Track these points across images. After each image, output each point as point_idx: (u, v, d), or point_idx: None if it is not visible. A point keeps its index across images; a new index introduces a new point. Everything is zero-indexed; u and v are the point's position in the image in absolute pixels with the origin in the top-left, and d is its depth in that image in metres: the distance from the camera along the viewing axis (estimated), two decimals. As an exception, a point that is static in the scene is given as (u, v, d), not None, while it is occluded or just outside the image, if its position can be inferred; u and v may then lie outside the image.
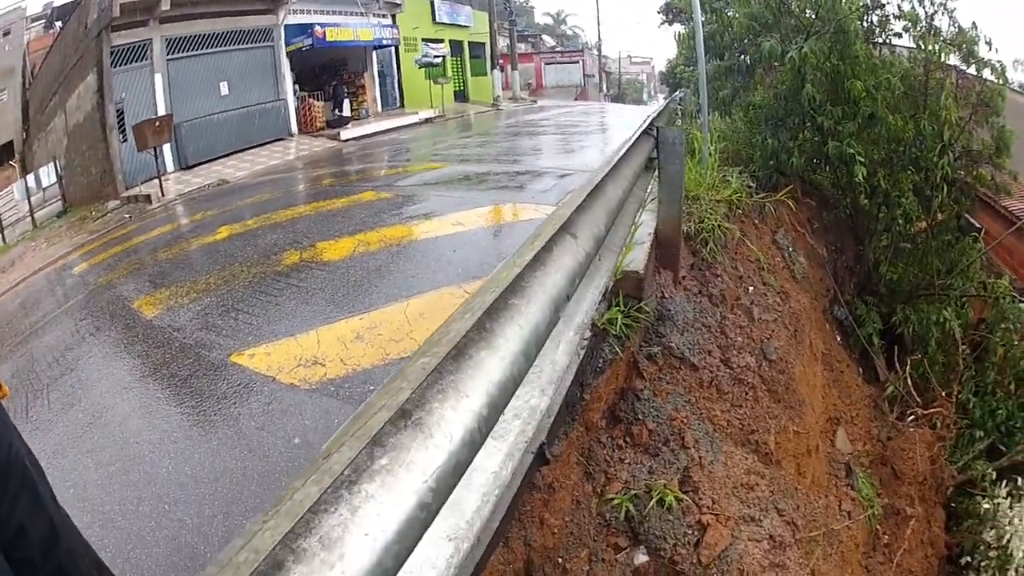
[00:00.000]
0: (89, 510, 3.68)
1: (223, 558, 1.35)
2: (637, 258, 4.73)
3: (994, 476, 8.41)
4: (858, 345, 9.96)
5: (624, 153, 4.97)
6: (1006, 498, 8.02)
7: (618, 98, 58.93)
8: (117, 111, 17.40)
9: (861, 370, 9.72)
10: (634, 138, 5.43)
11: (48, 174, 19.70)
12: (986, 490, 8.33)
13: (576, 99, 51.22)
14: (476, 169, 12.37)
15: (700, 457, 4.45)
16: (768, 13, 10.33)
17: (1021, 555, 7.52)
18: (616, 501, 3.92)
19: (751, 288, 6.65)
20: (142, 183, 16.84)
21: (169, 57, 18.69)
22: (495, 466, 2.29)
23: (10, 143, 23.16)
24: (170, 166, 18.15)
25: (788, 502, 4.89)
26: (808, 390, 6.67)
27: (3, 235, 19.10)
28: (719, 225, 6.43)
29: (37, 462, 2.17)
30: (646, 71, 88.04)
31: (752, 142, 10.10)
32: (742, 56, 11.29)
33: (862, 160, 8.94)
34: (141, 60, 18.10)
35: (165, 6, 17.63)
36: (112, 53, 17.22)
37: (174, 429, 4.51)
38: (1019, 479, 8.26)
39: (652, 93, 77.50)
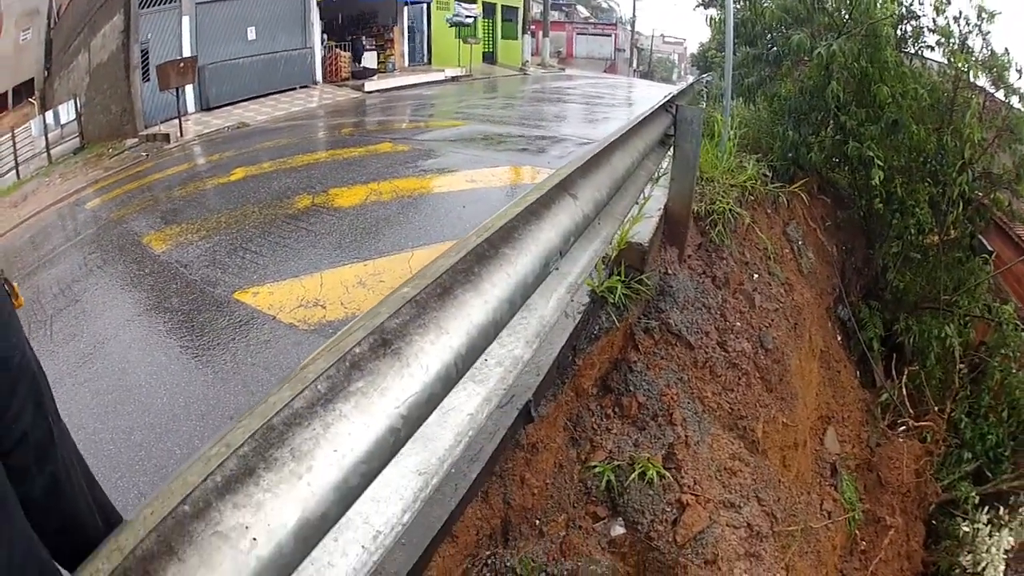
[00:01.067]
0: (82, 438, 3.68)
1: (202, 453, 1.41)
2: (643, 231, 4.74)
3: (977, 500, 8.45)
4: (858, 348, 9.94)
5: (636, 125, 4.97)
6: (986, 524, 8.09)
7: (647, 75, 58.54)
8: (142, 51, 17.39)
9: (858, 373, 9.71)
10: (650, 112, 5.42)
11: (68, 111, 19.68)
12: (968, 513, 8.38)
13: (605, 71, 50.97)
14: (496, 130, 12.37)
15: (686, 436, 4.47)
16: (801, 7, 10.25)
17: (993, 584, 7.59)
18: (599, 470, 3.95)
19: (756, 275, 6.64)
20: (162, 123, 16.86)
21: (199, 0, 18.65)
22: (472, 408, 2.32)
23: (30, 81, 23.22)
24: (191, 107, 18.15)
25: (770, 493, 4.91)
26: (802, 384, 6.69)
27: (18, 171, 19.12)
28: (730, 209, 6.41)
29: (44, 373, 2.19)
30: (678, 51, 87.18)
31: (773, 132, 10.03)
32: (772, 47, 11.23)
33: (881, 164, 8.87)
34: (170, 2, 18.07)
35: (198, -51, 17.62)
36: None
37: (172, 362, 4.58)
38: (1001, 507, 8.33)
39: (682, 74, 76.78)
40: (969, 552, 7.97)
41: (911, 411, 9.09)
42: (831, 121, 9.72)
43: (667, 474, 4.12)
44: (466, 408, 2.31)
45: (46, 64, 22.98)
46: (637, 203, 4.97)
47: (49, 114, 19.76)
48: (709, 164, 7.27)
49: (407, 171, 8.66)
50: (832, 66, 9.07)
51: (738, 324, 5.77)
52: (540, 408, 3.60)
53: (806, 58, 9.73)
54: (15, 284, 2.12)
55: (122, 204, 9.54)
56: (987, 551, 7.80)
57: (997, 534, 7.94)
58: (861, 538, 7.06)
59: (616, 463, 4.02)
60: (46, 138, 19.32)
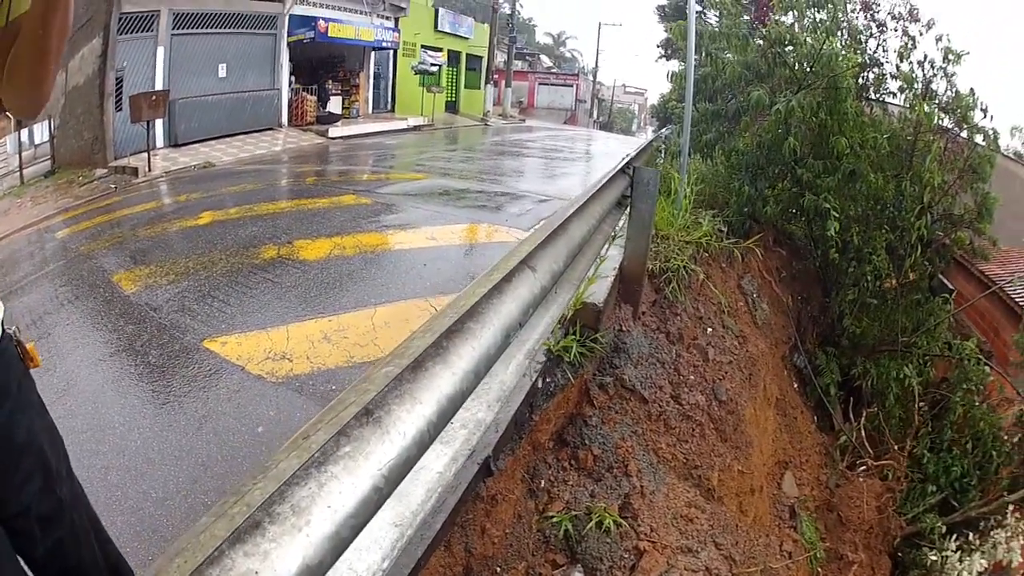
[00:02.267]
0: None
1: (216, 509, 1.59)
2: (598, 291, 4.89)
3: (944, 530, 8.58)
4: (814, 394, 10.07)
5: (594, 193, 5.15)
6: (955, 551, 8.19)
7: (606, 126, 59.04)
8: (117, 79, 17.32)
9: (816, 418, 9.86)
10: (607, 179, 5.61)
11: (42, 132, 19.53)
12: (935, 543, 8.49)
13: (565, 123, 51.54)
14: (456, 185, 12.56)
15: (642, 486, 4.58)
16: (763, 63, 10.46)
17: (965, 607, 7.72)
18: (556, 519, 4.04)
19: (710, 329, 6.78)
20: (131, 155, 16.82)
21: (174, 32, 18.63)
22: (440, 467, 2.52)
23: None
24: (160, 142, 18.10)
25: (727, 537, 4.99)
26: (757, 432, 6.81)
27: (-9, 186, 18.97)
28: (685, 266, 6.58)
29: (57, 434, 2.24)
30: (639, 102, 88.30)
31: (729, 187, 10.21)
32: (731, 101, 11.44)
33: (836, 215, 9.09)
34: (147, 31, 18.01)
35: (177, -21, 17.69)
36: (120, 19, 17.10)
37: (145, 405, 4.65)
38: (970, 534, 8.45)
39: (642, 124, 77.81)
40: None
41: (871, 451, 9.22)
42: (788, 174, 9.91)
43: (624, 522, 4.22)
44: (435, 467, 2.50)
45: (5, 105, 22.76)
46: (594, 262, 5.15)
47: (24, 132, 19.61)
48: (665, 222, 7.46)
49: (370, 225, 8.80)
50: (790, 121, 9.28)
51: (692, 378, 5.90)
52: (499, 462, 3.73)
53: (766, 113, 9.98)
54: (30, 344, 2.14)
55: (92, 238, 9.55)
56: (958, 575, 7.94)
57: (968, 559, 8.07)
58: (824, 574, 7.16)
59: (573, 513, 4.11)
60: (20, 157, 19.18)
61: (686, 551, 4.45)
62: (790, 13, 10.66)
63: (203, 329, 5.71)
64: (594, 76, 65.48)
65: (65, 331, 6.12)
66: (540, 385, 4.15)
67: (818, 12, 10.24)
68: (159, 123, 17.71)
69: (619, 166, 6.00)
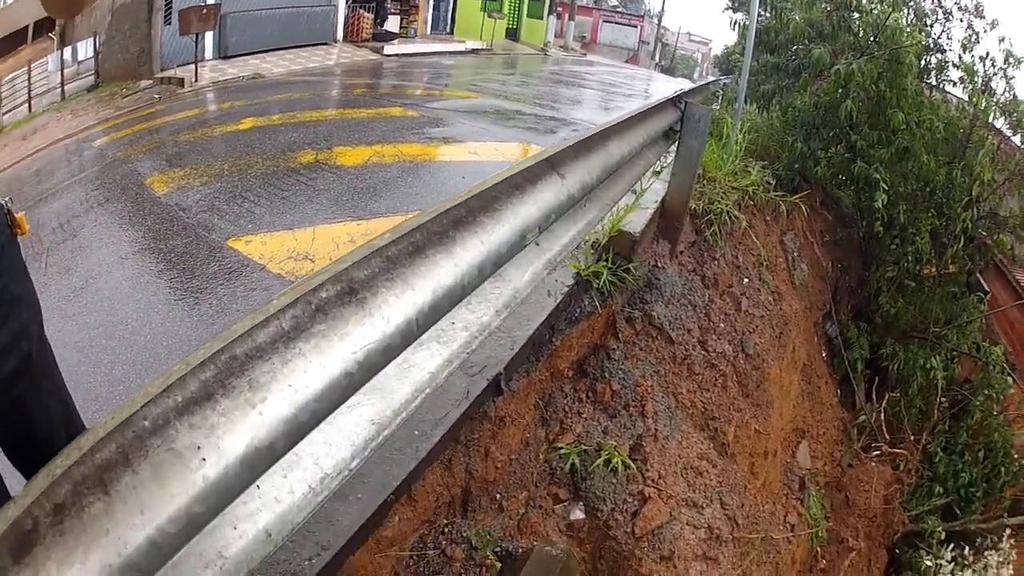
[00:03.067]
0: (64, 369, 3.73)
1: (166, 378, 1.46)
2: (636, 220, 4.75)
3: (943, 536, 8.46)
4: (841, 367, 9.92)
5: (639, 114, 4.99)
6: (949, 562, 8.10)
7: (668, 70, 58.28)
8: (168, -6, 17.35)
9: (839, 392, 9.72)
10: (655, 104, 5.44)
11: (86, 48, 19.52)
12: (932, 547, 8.38)
13: (627, 62, 50.87)
14: (508, 106, 12.39)
15: (656, 429, 4.48)
16: (827, 23, 10.21)
17: (951, 624, 7.62)
18: (565, 452, 3.96)
19: (746, 280, 6.64)
20: (178, 67, 16.78)
21: None
22: (433, 368, 2.38)
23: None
24: (209, 53, 18.05)
25: (734, 498, 4.90)
26: (780, 394, 6.69)
27: (30, 104, 19.00)
28: (728, 210, 6.42)
29: (34, 299, 2.26)
30: (702, 51, 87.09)
31: (782, 141, 10.02)
32: (793, 59, 11.21)
33: (886, 188, 8.87)
34: None
35: None
36: None
37: (160, 302, 4.64)
38: (967, 547, 8.34)
39: (704, 73, 77.01)
40: None
41: (887, 437, 9.10)
42: (842, 138, 9.70)
43: (632, 465, 4.13)
44: (427, 367, 2.36)
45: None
46: (633, 192, 4.99)
47: (68, 50, 19.66)
48: (713, 164, 7.27)
49: (413, 137, 8.70)
50: (849, 85, 9.05)
51: (721, 325, 5.78)
52: (511, 383, 3.62)
53: (825, 73, 9.73)
54: (21, 214, 2.16)
55: (129, 144, 9.54)
56: None
57: (960, 574, 7.99)
58: (822, 556, 7.05)
59: (583, 447, 4.03)
60: (62, 74, 19.22)
61: (691, 504, 4.38)
62: None
63: (230, 228, 5.67)
64: (659, 20, 64.69)
65: (91, 232, 6.13)
66: (564, 308, 4.04)
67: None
68: (209, 35, 17.65)
69: (670, 96, 5.80)
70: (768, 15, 10.98)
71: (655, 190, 5.47)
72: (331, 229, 5.59)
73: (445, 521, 3.36)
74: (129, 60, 18.04)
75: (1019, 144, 10.04)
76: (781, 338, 6.93)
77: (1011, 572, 8.01)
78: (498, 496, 3.69)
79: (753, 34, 9.27)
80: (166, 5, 17.22)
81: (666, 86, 27.13)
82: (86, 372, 3.77)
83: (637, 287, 5.01)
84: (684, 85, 27.60)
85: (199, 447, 1.45)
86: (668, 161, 5.89)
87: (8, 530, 1.17)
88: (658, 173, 5.86)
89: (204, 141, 9.03)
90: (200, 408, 1.48)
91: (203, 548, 1.56)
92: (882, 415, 9.26)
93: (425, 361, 2.35)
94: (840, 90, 9.22)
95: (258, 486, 1.65)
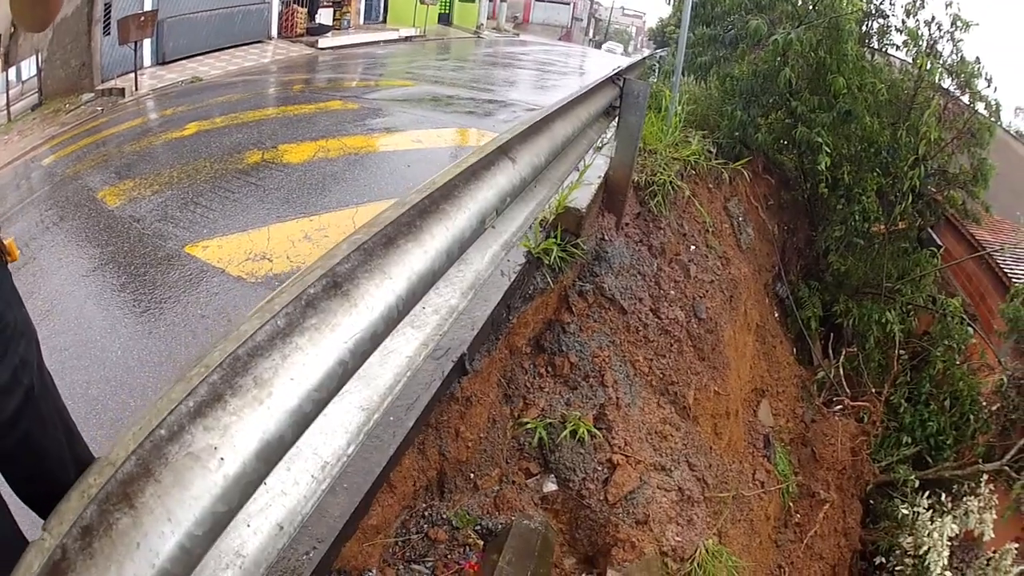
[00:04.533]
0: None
1: (179, 385, 1.56)
2: (581, 196, 4.90)
3: (917, 484, 8.64)
4: (795, 326, 10.15)
5: (580, 95, 5.11)
6: (927, 510, 8.26)
7: (602, 46, 58.49)
8: (105, 4, 17.05)
9: (795, 350, 9.93)
10: (596, 84, 5.56)
11: (29, 67, 19.24)
12: (907, 496, 8.58)
13: (560, 39, 51.14)
14: (445, 92, 12.49)
15: (618, 398, 4.62)
16: None
17: (938, 570, 7.75)
18: (531, 426, 4.09)
19: (693, 247, 6.78)
20: (118, 77, 16.60)
21: None
22: (410, 352, 2.47)
23: (-3, 36, 22.56)
24: (148, 61, 17.80)
25: (701, 459, 5.07)
26: (736, 356, 6.87)
27: (-24, 130, 18.67)
28: (671, 181, 6.54)
29: (30, 326, 2.24)
30: (636, 24, 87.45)
31: (722, 111, 10.06)
32: (730, 30, 11.31)
33: (829, 151, 9.03)
34: None
35: None
36: None
37: (126, 315, 4.64)
38: (943, 494, 8.52)
39: (638, 47, 77.15)
40: (910, 535, 8.18)
41: (848, 391, 9.35)
42: (782, 105, 9.83)
43: (598, 434, 4.28)
44: (405, 351, 2.47)
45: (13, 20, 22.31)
46: (577, 169, 5.12)
47: (12, 71, 19.32)
48: (654, 137, 7.40)
49: (355, 129, 8.77)
50: (788, 53, 9.16)
51: (672, 292, 5.93)
52: (475, 362, 3.74)
53: (763, 43, 9.86)
54: (9, 239, 2.11)
55: (77, 160, 9.44)
56: (928, 535, 7.99)
57: (939, 520, 8.12)
58: (795, 510, 7.27)
59: (548, 420, 4.17)
60: (7, 95, 18.89)
61: (659, 468, 4.52)
62: None
63: (185, 235, 5.68)
64: (594, -6, 64.67)
65: (50, 253, 6.03)
66: (518, 286, 4.17)
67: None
68: (147, 43, 17.42)
69: (609, 75, 5.92)
70: None
71: (598, 166, 5.60)
72: (284, 227, 5.65)
73: (424, 504, 3.49)
74: (71, 75, 17.77)
75: (967, 103, 10.24)
76: (732, 301, 7.09)
77: (994, 516, 8.17)
78: (472, 475, 3.83)
79: (689, 7, 9.36)
80: (105, 16, 16.99)
81: (599, 60, 27.35)
82: (64, 395, 3.71)
83: (586, 261, 5.14)
84: (617, 60, 27.74)
85: (216, 447, 1.51)
86: (609, 136, 6.02)
87: (42, 568, 1.20)
88: (599, 149, 5.98)
89: (150, 150, 8.98)
90: (212, 410, 1.54)
91: (221, 550, 1.64)
92: (841, 370, 9.52)
93: (402, 346, 2.45)
94: (779, 59, 9.35)
95: (265, 482, 1.71)
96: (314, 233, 5.48)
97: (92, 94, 16.53)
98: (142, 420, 1.46)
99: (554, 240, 4.51)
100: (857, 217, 9.88)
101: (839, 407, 9.13)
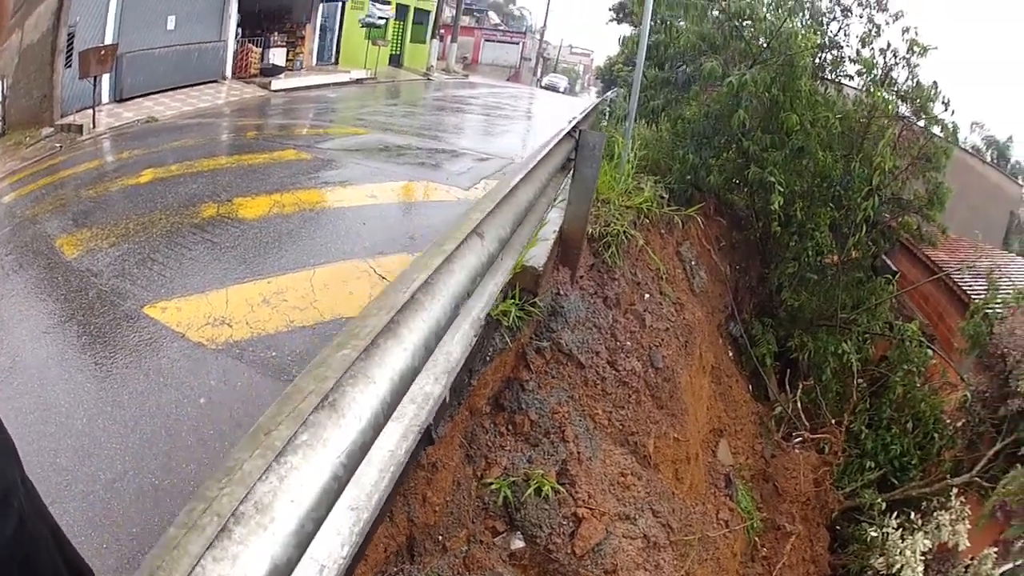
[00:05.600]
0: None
1: (184, 519, 1.60)
2: (538, 254, 4.96)
3: (884, 507, 8.77)
4: (750, 363, 10.24)
5: (541, 159, 5.16)
6: (897, 529, 8.38)
7: (551, 87, 59.18)
8: (68, 35, 16.86)
9: (751, 387, 10.02)
10: (555, 142, 5.60)
11: (-3, 92, 19.01)
12: (874, 518, 8.69)
13: (508, 80, 51.59)
14: (397, 141, 12.55)
15: (579, 452, 4.70)
16: (718, 35, 10.47)
17: (915, 584, 7.86)
18: (495, 486, 4.14)
19: (647, 295, 6.86)
20: (77, 112, 16.42)
21: None
22: (391, 445, 2.51)
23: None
24: (106, 97, 17.62)
25: (664, 505, 5.18)
26: (693, 400, 6.94)
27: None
28: (624, 231, 6.63)
29: (10, 444, 2.09)
30: (584, 63, 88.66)
31: (673, 154, 10.22)
32: (682, 69, 11.44)
33: (781, 189, 9.15)
34: None
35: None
36: None
37: (88, 380, 4.60)
38: (911, 512, 8.62)
39: (586, 85, 78.05)
40: (881, 555, 8.29)
41: (807, 424, 9.46)
42: (734, 145, 9.96)
43: (562, 489, 4.35)
44: (386, 445, 2.51)
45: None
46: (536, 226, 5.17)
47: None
48: (606, 186, 7.51)
49: (309, 182, 8.78)
50: (742, 94, 9.30)
51: (628, 343, 6.00)
52: (438, 429, 3.78)
53: (716, 84, 10.01)
54: None
55: (36, 201, 9.29)
56: (901, 554, 8.12)
57: (910, 537, 8.26)
58: (762, 544, 7.37)
59: (512, 479, 4.22)
60: (-29, 125, 18.62)
61: (624, 518, 4.63)
62: None
63: (143, 295, 5.65)
64: (541, 35, 65.25)
65: (10, 303, 5.94)
66: (478, 350, 4.22)
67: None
68: (106, 78, 17.30)
69: (566, 129, 5.98)
70: (657, 27, 11.14)
71: (553, 220, 5.65)
72: (243, 289, 5.64)
73: (395, 569, 3.52)
74: (33, 105, 17.52)
75: (922, 128, 10.45)
76: (687, 346, 7.18)
77: (968, 526, 8.32)
78: (440, 538, 3.86)
79: (644, 48, 9.44)
80: (68, 46, 16.84)
81: (547, 101, 27.71)
82: (33, 463, 3.51)
83: (543, 317, 5.19)
84: (568, 101, 28.02)
85: (227, 580, 1.53)
86: (563, 187, 6.08)
87: None
88: (554, 201, 6.04)
89: (107, 197, 8.87)
90: (219, 541, 1.59)
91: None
92: (798, 404, 9.65)
93: (383, 440, 2.47)
94: (732, 99, 9.50)
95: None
96: (272, 297, 5.48)
97: (52, 128, 16.34)
98: (153, 562, 1.49)
99: (512, 300, 4.58)
100: (810, 253, 10.04)
101: (799, 440, 9.26)
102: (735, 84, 9.18)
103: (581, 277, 6.04)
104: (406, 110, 19.99)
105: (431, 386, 2.88)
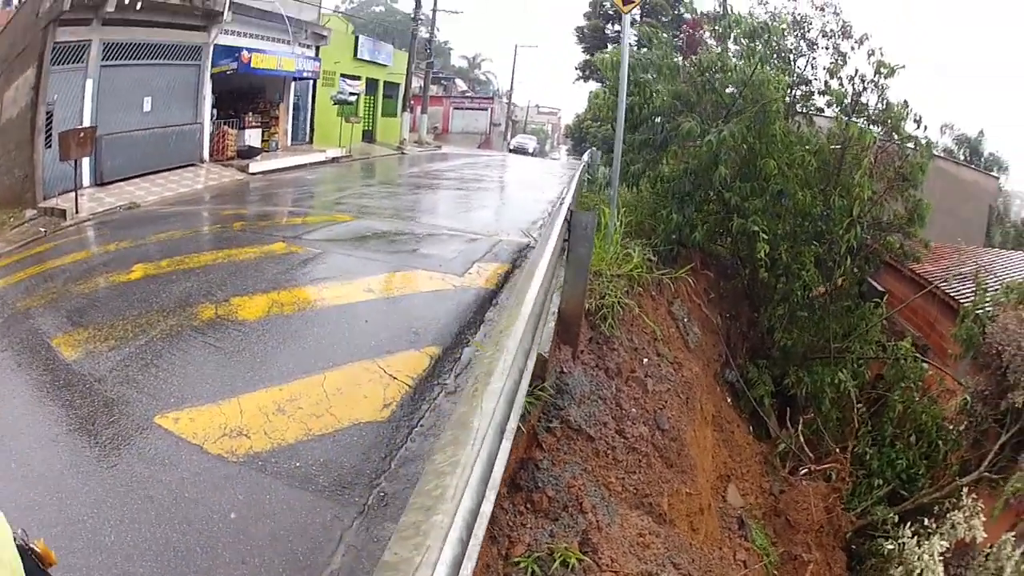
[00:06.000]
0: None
1: None
2: (543, 340, 5.08)
3: (896, 519, 8.88)
4: (749, 406, 10.38)
5: (550, 258, 5.18)
6: (912, 537, 8.45)
7: (520, 149, 59.69)
8: (47, 113, 16.82)
9: (752, 428, 10.16)
10: (553, 238, 5.60)
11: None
12: (888, 532, 8.78)
13: (479, 147, 52.62)
14: (383, 227, 12.67)
15: (598, 520, 4.80)
16: (692, 91, 10.69)
17: (936, 585, 7.90)
18: (522, 564, 4.21)
19: (646, 360, 7.01)
20: (59, 195, 16.32)
21: (103, 63, 18.17)
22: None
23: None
24: (87, 180, 17.62)
25: (683, 556, 5.28)
26: (699, 452, 7.06)
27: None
28: (618, 301, 6.76)
29: None
30: (552, 121, 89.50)
31: (657, 215, 10.39)
32: (661, 132, 11.57)
33: (765, 236, 9.33)
34: (77, 62, 17.54)
35: (110, 7, 17.15)
36: (54, 49, 16.64)
37: (108, 493, 4.50)
38: (925, 519, 8.70)
39: (555, 144, 78.83)
40: (899, 564, 8.34)
41: (811, 455, 9.57)
42: (715, 198, 10.16)
43: (585, 557, 4.43)
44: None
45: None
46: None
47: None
48: (597, 257, 7.59)
49: (304, 278, 8.83)
50: (720, 150, 9.50)
51: (633, 410, 6.15)
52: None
53: (694, 140, 10.17)
54: (40, 541, 1.93)
55: (27, 292, 9.19)
56: (919, 559, 8.16)
57: (926, 543, 8.30)
58: (781, 576, 7.42)
59: (536, 555, 4.29)
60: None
61: (647, 575, 4.70)
62: (723, 41, 10.89)
63: (152, 403, 5.60)
64: (509, 98, 65.75)
65: (12, 405, 5.85)
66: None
67: (754, 41, 10.44)
68: (86, 161, 17.34)
69: (563, 217, 6.03)
70: (630, 90, 11.13)
71: (553, 302, 5.78)
72: (255, 397, 5.62)
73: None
74: (14, 184, 17.39)
75: (897, 147, 10.72)
76: (688, 403, 7.32)
77: (983, 519, 8.38)
78: (474, 623, 3.94)
79: (622, 119, 9.55)
80: (47, 125, 16.82)
81: (520, 168, 28.45)
82: None
83: (549, 397, 5.33)
84: (541, 163, 28.39)
85: None
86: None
87: None
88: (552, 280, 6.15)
89: (99, 293, 8.79)
90: None
91: None
92: (801, 437, 9.75)
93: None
94: (712, 156, 9.71)
95: None
96: (287, 405, 5.48)
97: (35, 211, 16.34)
98: None
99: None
100: (799, 292, 10.21)
101: (805, 472, 9.36)
102: (714, 142, 9.37)
103: (582, 352, 6.19)
104: (386, 190, 20.24)
105: (470, 501, 2.92)
